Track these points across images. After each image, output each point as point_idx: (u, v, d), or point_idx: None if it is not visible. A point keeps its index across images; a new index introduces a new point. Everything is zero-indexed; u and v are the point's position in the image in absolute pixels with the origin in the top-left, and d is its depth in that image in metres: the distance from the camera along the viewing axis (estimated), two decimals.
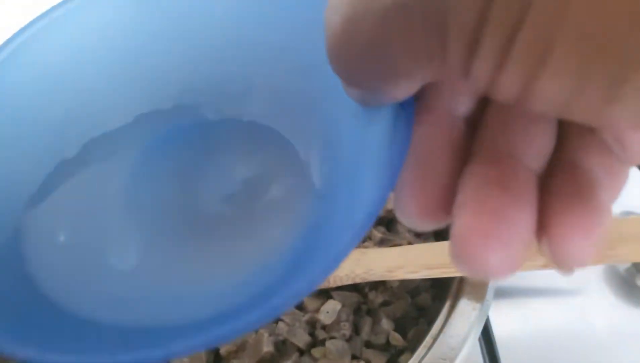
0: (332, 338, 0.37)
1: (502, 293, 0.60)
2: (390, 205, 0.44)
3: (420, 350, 0.34)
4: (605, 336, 0.57)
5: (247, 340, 0.38)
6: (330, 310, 0.38)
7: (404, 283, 0.42)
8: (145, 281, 0.21)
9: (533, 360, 0.55)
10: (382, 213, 0.44)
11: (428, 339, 0.35)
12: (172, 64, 0.24)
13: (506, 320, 0.56)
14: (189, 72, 0.24)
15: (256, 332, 0.38)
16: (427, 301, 0.42)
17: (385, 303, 0.41)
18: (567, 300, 0.60)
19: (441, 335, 0.35)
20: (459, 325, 0.35)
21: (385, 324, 0.39)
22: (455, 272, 0.36)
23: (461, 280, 0.38)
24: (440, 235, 0.44)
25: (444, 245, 0.39)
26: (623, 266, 0.64)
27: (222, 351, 0.38)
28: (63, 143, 0.23)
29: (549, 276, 0.62)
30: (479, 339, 0.55)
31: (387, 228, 0.45)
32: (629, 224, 0.33)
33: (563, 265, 0.15)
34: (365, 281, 0.39)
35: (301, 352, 0.37)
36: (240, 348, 0.37)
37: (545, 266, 0.34)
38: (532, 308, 0.59)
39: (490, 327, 0.55)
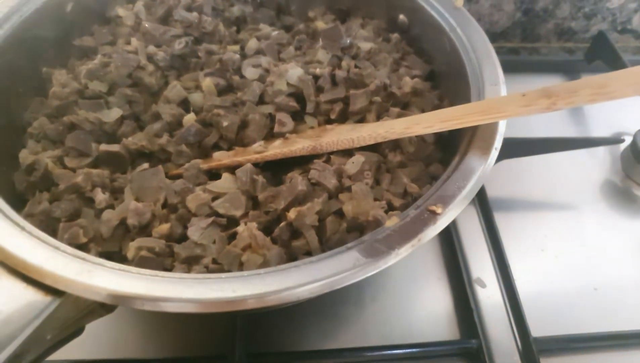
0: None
1: (504, 205, 0.64)
2: (406, 88, 0.49)
3: (438, 183, 0.39)
4: (600, 245, 0.61)
5: (282, 188, 0.42)
6: (355, 161, 0.43)
7: (418, 150, 0.46)
8: None
9: (532, 247, 0.59)
10: (398, 93, 0.49)
11: (444, 176, 0.40)
12: None
13: (508, 229, 0.60)
14: None
15: (291, 180, 0.42)
16: (439, 170, 0.47)
17: (402, 165, 0.46)
18: (565, 213, 0.65)
19: (454, 173, 0.40)
20: (471, 165, 0.40)
21: (403, 178, 0.44)
22: (466, 123, 0.41)
23: (470, 140, 0.42)
24: None
25: (455, 108, 0.43)
26: (618, 177, 0.69)
27: (260, 197, 0.42)
28: None
29: (548, 191, 0.66)
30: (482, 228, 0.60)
31: (402, 108, 0.49)
32: (620, 73, 0.38)
33: None
34: (386, 139, 0.44)
35: (329, 196, 0.42)
36: (275, 194, 0.42)
37: (547, 109, 0.38)
38: (531, 220, 0.63)
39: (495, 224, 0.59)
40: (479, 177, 0.39)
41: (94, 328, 0.49)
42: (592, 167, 0.70)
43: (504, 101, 0.41)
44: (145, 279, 0.32)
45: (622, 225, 0.64)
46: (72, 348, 0.47)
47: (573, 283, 0.57)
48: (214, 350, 0.47)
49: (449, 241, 0.58)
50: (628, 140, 0.68)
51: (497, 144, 0.41)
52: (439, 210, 0.36)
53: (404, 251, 0.34)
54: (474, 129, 0.42)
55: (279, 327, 0.50)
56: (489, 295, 0.54)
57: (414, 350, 0.49)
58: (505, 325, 0.52)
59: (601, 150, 0.71)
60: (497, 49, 0.86)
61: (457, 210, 0.37)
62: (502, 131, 0.42)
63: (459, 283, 0.55)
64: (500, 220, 0.61)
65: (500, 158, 0.63)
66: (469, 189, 0.38)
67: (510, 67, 0.81)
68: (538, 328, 0.51)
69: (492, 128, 0.42)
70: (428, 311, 0.54)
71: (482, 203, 0.62)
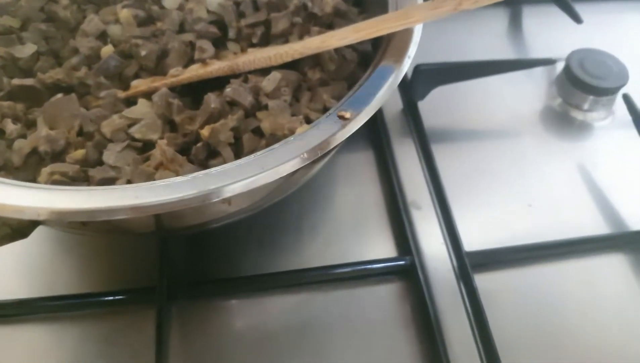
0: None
1: (441, 133, 0.64)
2: (327, 9, 0.48)
3: (350, 92, 0.39)
4: (537, 167, 0.62)
5: (198, 111, 0.42)
6: (271, 78, 0.43)
7: (340, 68, 0.46)
8: None
9: (468, 171, 0.60)
10: (319, 13, 0.49)
11: (357, 85, 0.40)
12: None
13: (444, 155, 0.60)
14: None
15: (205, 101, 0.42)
16: None
17: (323, 83, 0.45)
18: (503, 139, 0.65)
19: (367, 81, 0.40)
20: (384, 72, 0.40)
21: (323, 95, 0.44)
22: (379, 32, 0.41)
23: (384, 51, 0.42)
24: None
25: (369, 20, 0.43)
26: (556, 101, 0.70)
27: (177, 119, 0.42)
28: None
29: (486, 117, 0.67)
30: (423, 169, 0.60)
31: (325, 28, 0.49)
32: None
33: None
34: (303, 55, 0.43)
35: (247, 115, 0.42)
36: (192, 116, 0.42)
37: (454, 10, 0.38)
38: (469, 146, 0.64)
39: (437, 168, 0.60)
40: (391, 82, 0.39)
41: (29, 268, 0.49)
42: (531, 93, 0.70)
43: (415, 7, 0.41)
44: (45, 191, 0.32)
45: (560, 148, 0.65)
46: (9, 290, 0.47)
47: (508, 201, 0.58)
48: (145, 282, 0.47)
49: (386, 170, 0.59)
50: (562, 64, 0.69)
51: (411, 52, 0.41)
52: (347, 115, 0.36)
53: (311, 155, 0.34)
54: (388, 41, 0.42)
55: (214, 257, 0.50)
56: (424, 216, 0.55)
57: (348, 269, 0.50)
58: (440, 242, 0.53)
59: (539, 76, 0.72)
60: None
61: (367, 114, 0.37)
62: (417, 40, 0.42)
63: (394, 207, 0.55)
64: (438, 148, 0.61)
65: (435, 84, 0.64)
66: (381, 95, 0.38)
67: None
68: (472, 245, 0.52)
69: (406, 38, 0.42)
70: (366, 236, 0.54)
71: (419, 130, 0.62)
